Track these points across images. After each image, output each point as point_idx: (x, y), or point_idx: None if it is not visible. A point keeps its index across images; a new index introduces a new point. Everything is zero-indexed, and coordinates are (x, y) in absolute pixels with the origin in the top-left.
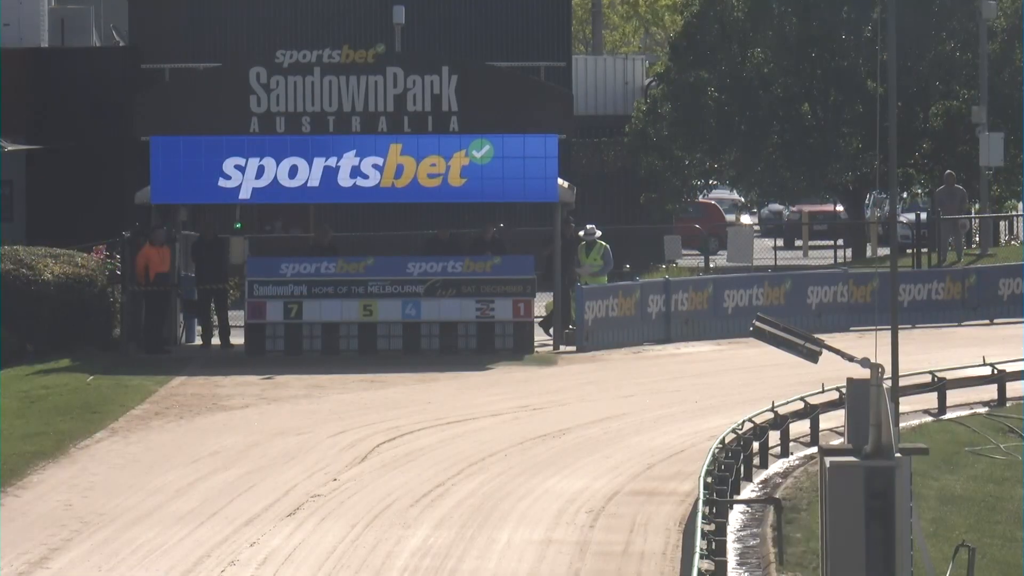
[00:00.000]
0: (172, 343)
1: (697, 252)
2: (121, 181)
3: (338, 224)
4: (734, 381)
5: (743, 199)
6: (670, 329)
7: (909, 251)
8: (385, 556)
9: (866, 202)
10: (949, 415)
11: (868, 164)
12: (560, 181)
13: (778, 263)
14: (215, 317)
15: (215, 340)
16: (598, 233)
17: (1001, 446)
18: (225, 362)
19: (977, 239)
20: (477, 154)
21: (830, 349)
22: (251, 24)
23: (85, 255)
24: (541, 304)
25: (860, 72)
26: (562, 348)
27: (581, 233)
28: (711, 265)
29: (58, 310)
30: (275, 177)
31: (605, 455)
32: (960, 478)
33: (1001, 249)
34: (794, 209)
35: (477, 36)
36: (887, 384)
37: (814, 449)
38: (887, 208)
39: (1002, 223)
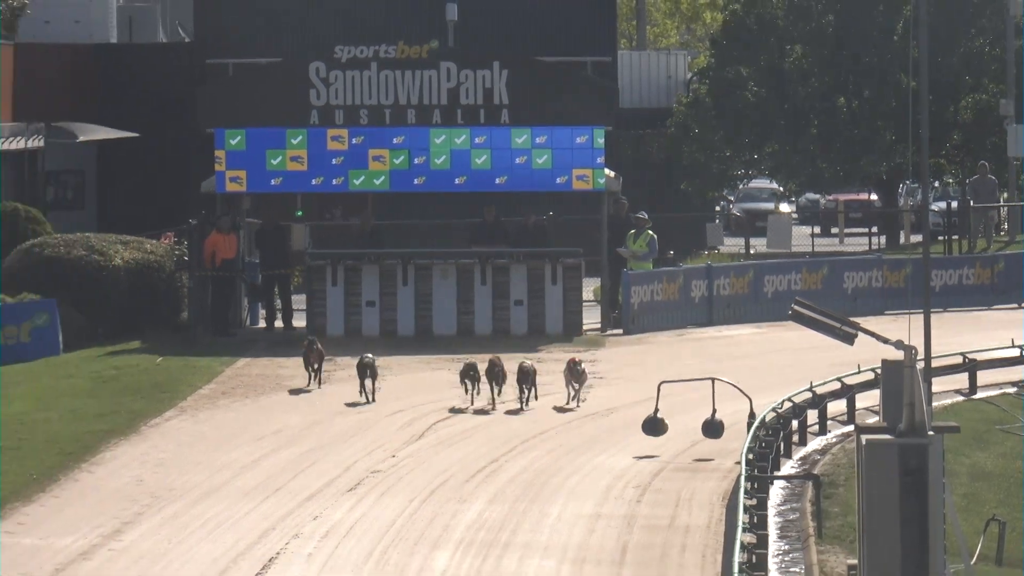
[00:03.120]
0: (237, 326)
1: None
2: (187, 171)
3: (393, 212)
4: (774, 362)
5: (781, 188)
6: (712, 312)
7: (940, 238)
8: (442, 529)
9: (899, 191)
10: (979, 395)
11: (901, 155)
12: (606, 171)
13: (815, 249)
14: (278, 301)
15: (278, 323)
16: (647, 222)
17: None
18: (288, 344)
19: (1006, 227)
20: (527, 145)
21: (865, 332)
22: (311, 21)
23: (154, 242)
24: (589, 289)
25: (893, 67)
26: (609, 331)
27: (633, 219)
28: (751, 251)
29: (128, 294)
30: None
31: None
32: (990, 455)
33: None
34: (830, 198)
35: (527, 32)
36: (920, 365)
37: (851, 427)
38: (919, 197)
39: None
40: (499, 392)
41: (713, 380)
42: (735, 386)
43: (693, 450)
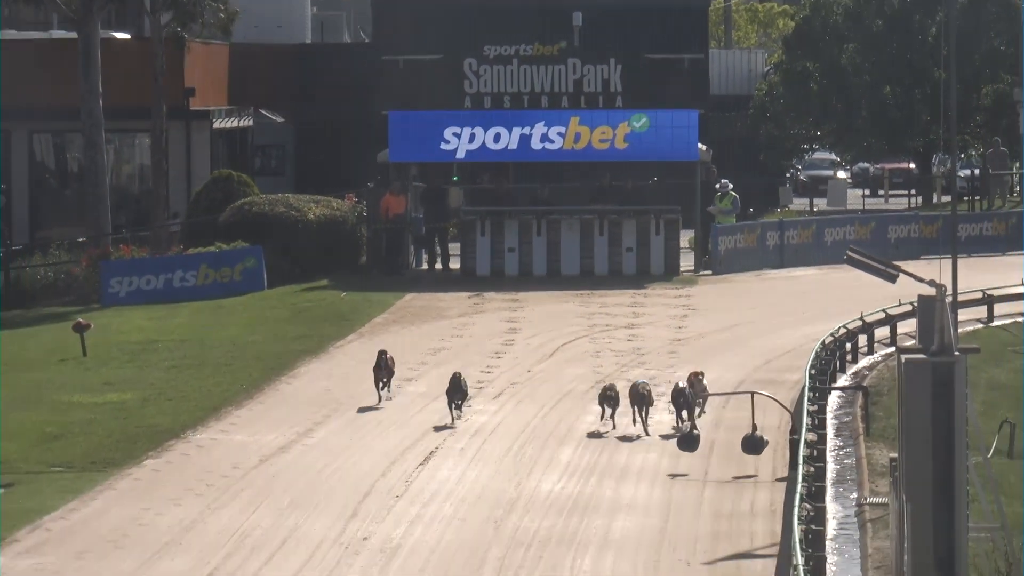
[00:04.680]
0: (405, 268)
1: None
2: (366, 145)
3: (530, 178)
4: (832, 298)
5: (839, 158)
6: (783, 257)
7: (965, 198)
8: (567, 429)
9: (933, 161)
10: (995, 323)
11: (934, 132)
12: (699, 145)
13: (865, 207)
14: (438, 248)
15: (438, 265)
16: (730, 186)
17: None
18: (445, 282)
19: (1017, 189)
20: (636, 124)
21: (905, 273)
22: (465, 25)
23: (339, 201)
24: (684, 239)
25: (928, 63)
26: (701, 272)
27: (720, 184)
28: (814, 209)
29: (318, 242)
30: (483, 142)
31: (734, 353)
32: (1004, 370)
33: None
34: (878, 166)
35: (636, 35)
36: (948, 299)
37: (893, 349)
38: (949, 166)
39: None
40: (646, 416)
41: (752, 394)
42: (775, 400)
43: (767, 366)
